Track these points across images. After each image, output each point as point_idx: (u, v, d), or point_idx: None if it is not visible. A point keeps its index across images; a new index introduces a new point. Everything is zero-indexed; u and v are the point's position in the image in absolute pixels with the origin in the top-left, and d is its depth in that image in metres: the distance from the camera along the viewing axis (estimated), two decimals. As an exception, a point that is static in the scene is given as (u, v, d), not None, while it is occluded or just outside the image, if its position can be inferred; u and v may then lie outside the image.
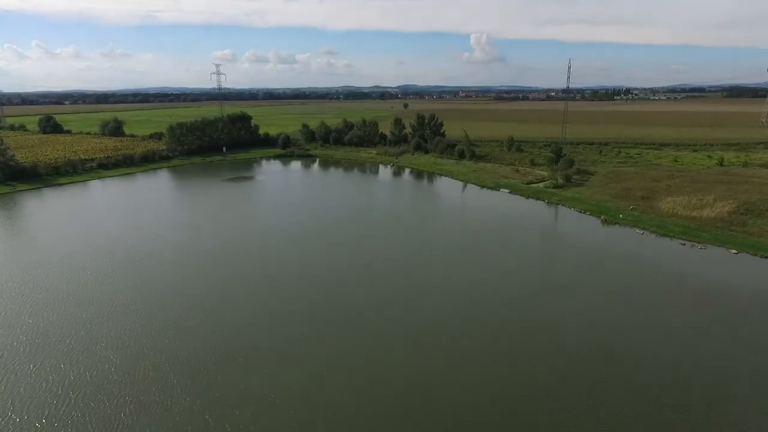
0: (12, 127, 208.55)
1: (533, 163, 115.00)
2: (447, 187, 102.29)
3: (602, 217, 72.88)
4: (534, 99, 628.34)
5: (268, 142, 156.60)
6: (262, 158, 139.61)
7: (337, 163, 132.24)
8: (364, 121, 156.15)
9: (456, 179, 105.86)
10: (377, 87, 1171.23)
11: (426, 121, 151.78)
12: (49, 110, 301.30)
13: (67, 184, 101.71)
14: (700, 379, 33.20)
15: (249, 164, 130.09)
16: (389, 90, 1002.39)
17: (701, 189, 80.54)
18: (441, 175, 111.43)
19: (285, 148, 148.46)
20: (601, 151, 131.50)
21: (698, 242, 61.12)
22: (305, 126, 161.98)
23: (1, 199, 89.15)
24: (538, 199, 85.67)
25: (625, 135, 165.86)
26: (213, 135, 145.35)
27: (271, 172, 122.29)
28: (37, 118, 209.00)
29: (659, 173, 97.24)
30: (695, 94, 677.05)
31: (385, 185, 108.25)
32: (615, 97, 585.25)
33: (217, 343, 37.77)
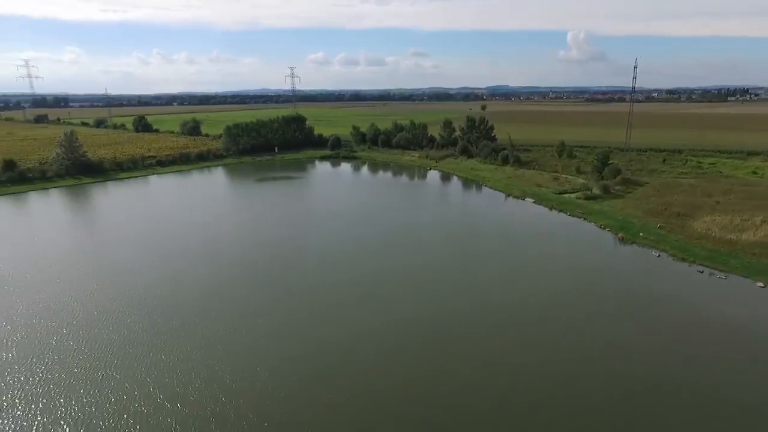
0: (114, 126, 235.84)
1: (579, 171, 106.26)
2: (468, 194, 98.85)
3: (620, 234, 65.45)
4: (634, 100, 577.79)
5: (320, 143, 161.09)
6: (308, 159, 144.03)
7: (375, 166, 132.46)
8: (412, 124, 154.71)
9: (486, 186, 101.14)
10: (465, 88, 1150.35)
11: (476, 123, 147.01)
12: (145, 111, 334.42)
13: (126, 178, 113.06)
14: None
15: (293, 165, 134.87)
16: (477, 91, 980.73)
17: (754, 207, 68.99)
18: (472, 181, 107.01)
19: (333, 150, 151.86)
20: (665, 160, 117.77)
21: (722, 270, 52.51)
22: (356, 128, 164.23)
23: (67, 190, 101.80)
24: (561, 211, 78.99)
25: (708, 141, 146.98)
26: (268, 135, 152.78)
27: (308, 172, 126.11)
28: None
29: (716, 187, 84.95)
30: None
31: (404, 190, 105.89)
32: (728, 99, 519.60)
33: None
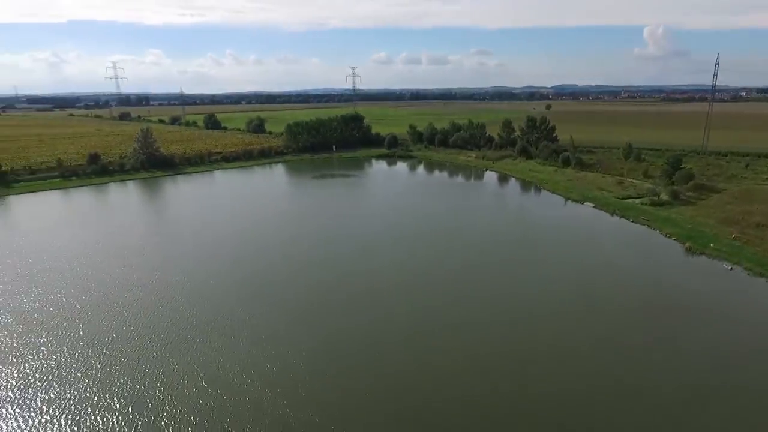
0: (187, 123, 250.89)
1: (646, 175, 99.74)
2: (522, 197, 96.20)
3: (687, 244, 60.71)
4: (717, 100, 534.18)
5: (377, 142, 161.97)
6: (365, 158, 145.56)
7: (430, 165, 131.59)
8: (471, 123, 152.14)
9: (543, 189, 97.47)
10: (530, 87, 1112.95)
11: (537, 124, 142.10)
12: (216, 109, 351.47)
13: (193, 173, 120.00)
14: None
15: (350, 163, 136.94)
16: (542, 90, 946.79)
17: None
18: (529, 183, 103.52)
19: (390, 149, 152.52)
20: (748, 165, 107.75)
21: (806, 288, 47.39)
22: (413, 127, 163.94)
23: (141, 182, 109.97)
24: (622, 217, 74.55)
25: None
26: (326, 134, 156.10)
27: (364, 171, 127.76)
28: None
29: (807, 196, 76.59)
30: None
31: (457, 190, 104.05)
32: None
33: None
